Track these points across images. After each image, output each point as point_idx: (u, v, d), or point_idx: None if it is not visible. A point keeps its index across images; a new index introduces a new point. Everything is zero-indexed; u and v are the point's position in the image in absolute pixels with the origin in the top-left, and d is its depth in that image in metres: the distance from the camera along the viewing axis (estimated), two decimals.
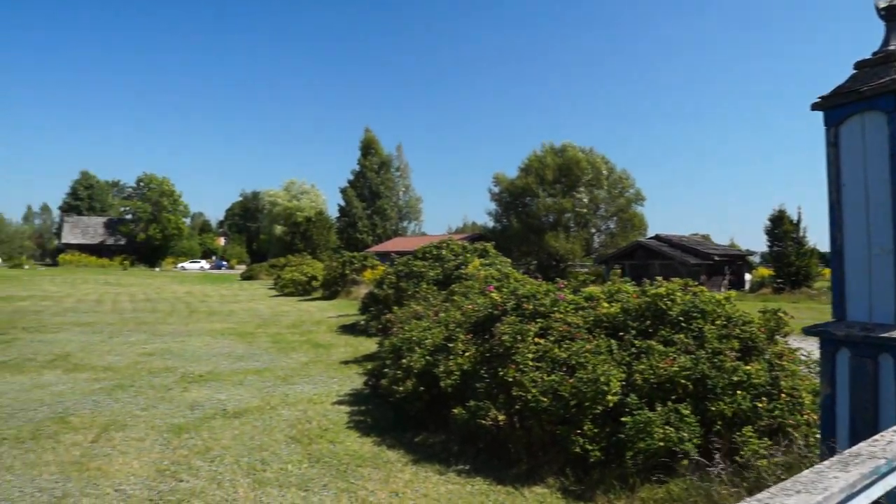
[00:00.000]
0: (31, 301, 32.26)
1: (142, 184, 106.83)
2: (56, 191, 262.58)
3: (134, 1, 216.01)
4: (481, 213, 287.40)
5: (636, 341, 7.74)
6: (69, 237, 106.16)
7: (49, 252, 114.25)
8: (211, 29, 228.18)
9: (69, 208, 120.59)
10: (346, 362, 15.03)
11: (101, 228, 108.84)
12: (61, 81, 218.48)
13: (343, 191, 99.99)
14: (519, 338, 7.96)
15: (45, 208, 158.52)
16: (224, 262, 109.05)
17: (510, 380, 7.49)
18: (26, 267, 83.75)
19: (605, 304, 8.71)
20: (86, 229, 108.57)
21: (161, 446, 8.29)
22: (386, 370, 10.18)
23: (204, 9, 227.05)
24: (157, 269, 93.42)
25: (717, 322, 7.88)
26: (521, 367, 7.53)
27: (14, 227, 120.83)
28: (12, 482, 6.92)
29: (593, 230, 64.14)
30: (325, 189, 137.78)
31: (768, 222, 48.10)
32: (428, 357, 9.24)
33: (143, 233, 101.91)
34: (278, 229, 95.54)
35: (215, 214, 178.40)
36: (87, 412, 10.03)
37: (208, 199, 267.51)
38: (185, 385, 12.22)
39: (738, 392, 6.77)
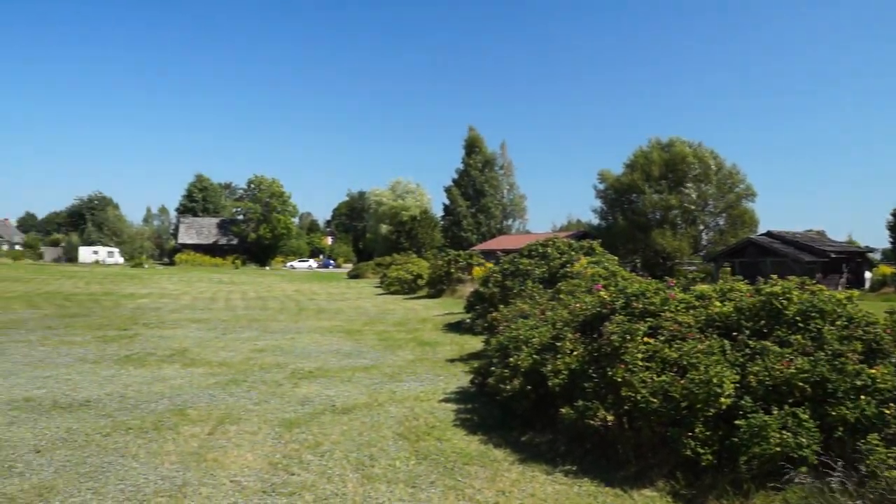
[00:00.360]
0: (151, 298, 33.73)
1: (252, 185, 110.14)
2: (173, 193, 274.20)
3: (245, 6, 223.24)
4: (586, 210, 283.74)
5: (750, 342, 7.49)
6: (185, 237, 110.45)
7: (166, 252, 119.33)
8: (318, 33, 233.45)
9: (185, 210, 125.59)
10: (451, 360, 15.11)
11: (214, 229, 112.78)
12: (176, 88, 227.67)
13: (447, 189, 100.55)
14: (628, 337, 7.82)
15: (163, 210, 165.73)
16: (331, 261, 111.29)
17: (619, 380, 7.37)
18: (146, 266, 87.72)
19: (718, 303, 8.47)
20: (200, 230, 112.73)
21: (273, 440, 8.52)
22: (493, 369, 10.17)
23: (314, 12, 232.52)
24: (267, 268, 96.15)
25: (838, 322, 7.55)
26: (631, 366, 7.40)
27: (135, 228, 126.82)
28: (137, 469, 7.26)
29: (701, 227, 62.56)
30: (429, 188, 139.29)
31: (891, 217, 45.88)
32: (535, 356, 9.18)
33: (253, 233, 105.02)
34: (384, 228, 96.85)
35: (323, 214, 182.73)
36: (203, 405, 10.40)
37: (316, 200, 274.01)
38: (295, 381, 12.53)
39: (862, 397, 6.44)
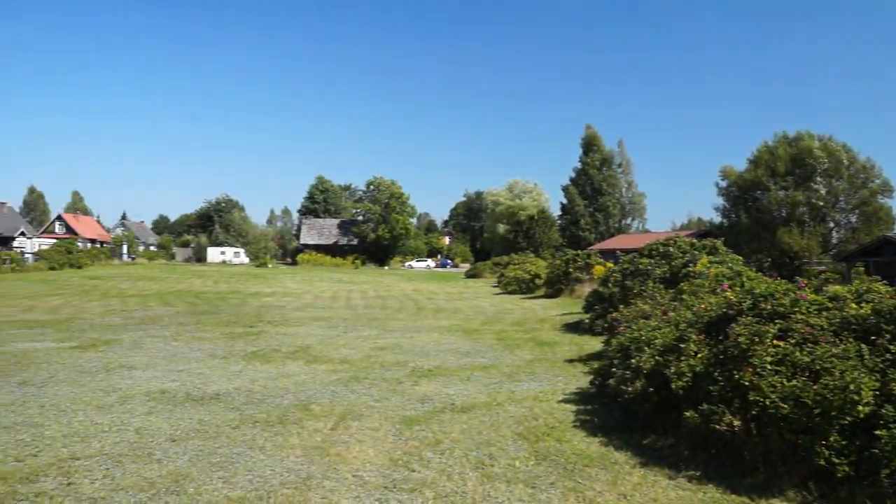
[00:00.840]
0: (275, 297, 34.85)
1: (372, 187, 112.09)
2: (295, 195, 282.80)
3: (363, 11, 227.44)
4: (707, 208, 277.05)
5: (891, 347, 7.06)
6: (307, 238, 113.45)
7: (289, 252, 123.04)
8: (437, 34, 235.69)
9: (307, 211, 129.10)
10: (570, 361, 14.94)
11: (334, 229, 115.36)
12: (298, 93, 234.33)
13: (565, 188, 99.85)
14: (756, 339, 7.52)
15: (286, 211, 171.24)
16: (449, 261, 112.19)
17: (746, 383, 7.10)
18: (269, 266, 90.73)
19: (854, 305, 8.03)
20: (321, 230, 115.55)
21: (394, 437, 8.62)
22: (613, 370, 9.99)
23: (434, 11, 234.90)
24: (386, 268, 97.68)
25: None
26: (759, 370, 7.11)
27: (259, 230, 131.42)
28: (264, 461, 7.49)
29: (832, 225, 59.54)
30: (547, 187, 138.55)
31: None
32: (658, 357, 8.95)
33: (373, 233, 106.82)
34: (501, 228, 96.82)
35: (440, 214, 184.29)
36: (326, 401, 10.64)
37: (434, 200, 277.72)
38: (415, 379, 12.65)
39: None
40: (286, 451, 7.87)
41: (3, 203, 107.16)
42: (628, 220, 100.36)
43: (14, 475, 6.94)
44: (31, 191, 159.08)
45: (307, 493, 6.56)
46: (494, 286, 47.63)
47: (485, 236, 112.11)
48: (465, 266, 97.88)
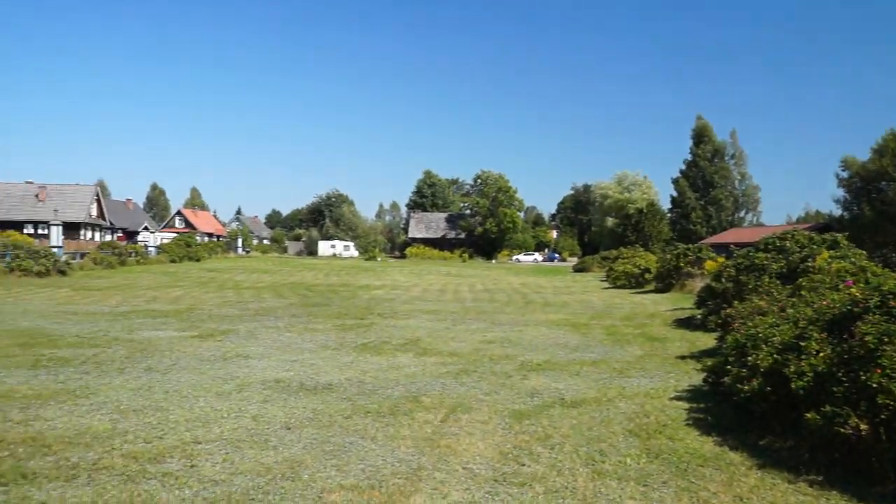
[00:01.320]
0: (384, 290, 35.41)
1: (479, 180, 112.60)
2: (403, 189, 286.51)
3: (468, 7, 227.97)
4: (825, 200, 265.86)
5: None
6: (414, 231, 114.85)
7: (397, 245, 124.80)
8: (541, 27, 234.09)
9: (415, 205, 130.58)
10: (682, 357, 14.60)
11: (442, 223, 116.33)
12: (404, 89, 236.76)
13: (675, 181, 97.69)
14: (885, 339, 7.14)
15: (394, 206, 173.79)
16: (556, 255, 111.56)
17: (874, 385, 6.75)
18: (378, 259, 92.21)
19: None
20: (429, 224, 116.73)
21: (503, 430, 8.62)
22: (728, 367, 9.68)
23: (538, 7, 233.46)
24: (493, 262, 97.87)
25: None
26: (889, 371, 6.75)
27: (368, 224, 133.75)
28: (376, 451, 7.62)
29: None
30: (656, 180, 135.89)
31: None
32: (776, 356, 8.62)
33: (480, 227, 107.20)
34: (609, 221, 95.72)
35: (548, 208, 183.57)
36: (436, 393, 10.73)
37: (541, 194, 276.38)
38: (524, 373, 12.62)
39: None
40: (397, 442, 7.97)
41: (129, 200, 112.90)
42: (741, 214, 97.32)
43: (143, 455, 7.29)
44: (154, 187, 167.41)
45: (418, 483, 6.63)
46: (603, 280, 47.02)
47: (593, 230, 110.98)
48: (573, 260, 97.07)
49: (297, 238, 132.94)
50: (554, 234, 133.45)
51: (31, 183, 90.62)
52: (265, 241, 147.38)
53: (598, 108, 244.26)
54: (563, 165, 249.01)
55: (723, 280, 20.03)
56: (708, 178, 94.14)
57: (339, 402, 9.98)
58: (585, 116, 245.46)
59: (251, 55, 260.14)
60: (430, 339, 17.05)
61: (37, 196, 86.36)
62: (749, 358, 9.02)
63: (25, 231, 70.26)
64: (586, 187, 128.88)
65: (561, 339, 17.25)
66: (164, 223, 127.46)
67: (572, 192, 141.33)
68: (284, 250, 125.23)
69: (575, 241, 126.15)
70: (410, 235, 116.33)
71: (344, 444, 7.88)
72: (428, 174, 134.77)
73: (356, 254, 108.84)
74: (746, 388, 8.76)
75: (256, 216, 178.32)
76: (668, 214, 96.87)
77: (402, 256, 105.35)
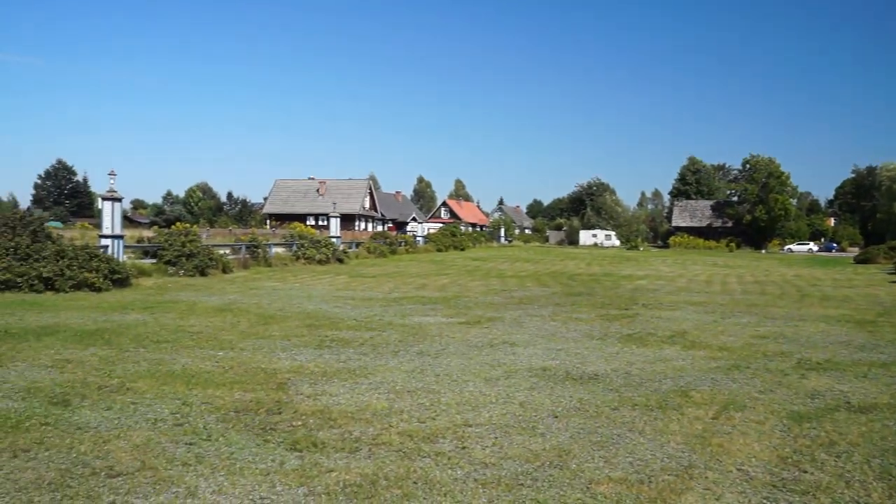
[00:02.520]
0: (648, 280, 34.67)
1: (748, 166, 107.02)
2: (666, 177, 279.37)
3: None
4: None
5: None
6: (678, 220, 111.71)
7: (660, 234, 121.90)
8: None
9: (678, 193, 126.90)
10: None
11: (707, 211, 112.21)
12: (669, 73, 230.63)
13: None
14: None
15: (657, 194, 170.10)
16: (834, 245, 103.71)
17: None
18: (640, 249, 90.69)
19: None
20: (693, 212, 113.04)
21: (781, 432, 8.08)
22: None
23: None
24: (763, 251, 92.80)
25: None
26: None
27: (630, 212, 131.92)
28: (644, 445, 7.45)
29: None
30: None
31: None
32: None
33: (748, 214, 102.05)
34: None
35: (824, 194, 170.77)
36: (706, 389, 10.32)
37: (817, 179, 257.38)
38: (801, 372, 11.77)
39: None
40: (666, 437, 7.75)
41: (398, 192, 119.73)
42: None
43: (418, 434, 7.67)
44: (420, 180, 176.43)
45: (689, 481, 6.39)
46: (891, 273, 42.81)
47: (878, 217, 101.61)
48: (854, 250, 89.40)
49: (558, 227, 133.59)
50: (831, 221, 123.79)
51: (312, 179, 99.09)
52: (527, 231, 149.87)
53: (886, 82, 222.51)
54: (842, 148, 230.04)
55: None
56: None
57: (606, 393, 9.88)
58: (865, 94, 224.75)
59: (512, 56, 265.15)
60: (698, 331, 16.43)
61: (317, 191, 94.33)
62: None
63: (308, 223, 76.81)
64: (870, 170, 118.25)
65: (843, 337, 15.92)
66: (431, 214, 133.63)
67: (853, 175, 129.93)
68: (546, 240, 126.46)
69: (856, 230, 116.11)
70: (674, 224, 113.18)
71: (611, 435, 7.78)
72: (692, 160, 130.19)
73: (617, 243, 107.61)
74: None
75: (518, 206, 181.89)
76: None
77: (665, 246, 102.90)
